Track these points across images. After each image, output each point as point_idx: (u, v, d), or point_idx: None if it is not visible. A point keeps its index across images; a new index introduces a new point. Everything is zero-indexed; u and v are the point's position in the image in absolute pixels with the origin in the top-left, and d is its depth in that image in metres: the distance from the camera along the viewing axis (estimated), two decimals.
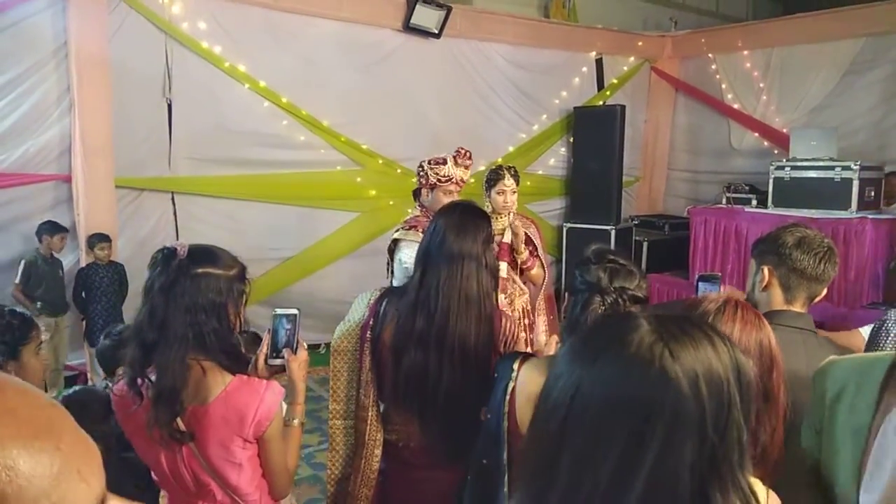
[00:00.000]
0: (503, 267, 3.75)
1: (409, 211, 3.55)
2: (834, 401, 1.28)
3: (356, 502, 1.78)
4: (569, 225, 6.96)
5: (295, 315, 1.68)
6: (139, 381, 1.51)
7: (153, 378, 1.50)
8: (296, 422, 1.64)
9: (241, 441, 1.53)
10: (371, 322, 1.80)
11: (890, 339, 1.94)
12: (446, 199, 2.68)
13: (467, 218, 1.80)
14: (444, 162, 2.81)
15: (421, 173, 2.87)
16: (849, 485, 1.19)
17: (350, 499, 1.79)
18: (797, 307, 1.72)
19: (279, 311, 1.71)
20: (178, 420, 1.50)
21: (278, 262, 5.56)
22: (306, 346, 1.70)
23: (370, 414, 1.79)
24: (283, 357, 1.65)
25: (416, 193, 2.99)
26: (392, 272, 2.78)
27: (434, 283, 1.71)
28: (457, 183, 2.82)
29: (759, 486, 1.01)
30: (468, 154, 2.86)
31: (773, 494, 1.06)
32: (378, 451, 1.79)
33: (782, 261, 1.73)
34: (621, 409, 0.75)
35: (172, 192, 5.21)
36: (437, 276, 1.71)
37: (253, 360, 1.65)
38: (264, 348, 1.66)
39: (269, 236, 5.47)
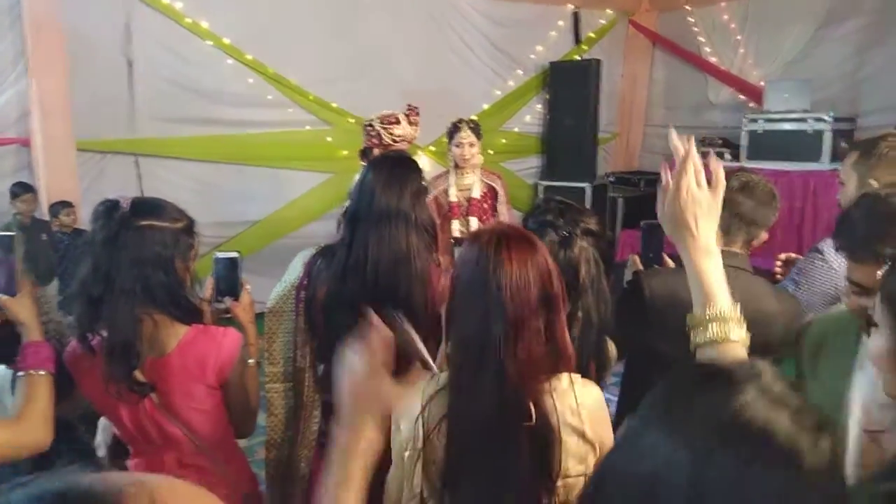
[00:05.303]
0: (473, 221, 3.72)
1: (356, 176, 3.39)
2: (815, 353, 1.44)
3: (297, 464, 1.77)
4: (545, 183, 6.91)
5: (235, 259, 1.70)
6: (89, 336, 1.50)
7: (104, 334, 1.49)
8: (251, 361, 1.67)
9: (204, 388, 1.55)
10: (305, 282, 1.76)
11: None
12: None
13: (396, 172, 1.73)
14: (398, 121, 2.74)
15: (372, 133, 2.79)
16: (835, 413, 1.32)
17: (291, 461, 1.77)
18: (735, 249, 1.75)
19: (220, 255, 1.72)
20: (137, 373, 1.49)
21: (248, 224, 5.49)
22: (249, 289, 1.72)
23: (307, 376, 1.76)
24: (225, 302, 1.68)
25: (365, 153, 2.89)
26: None
27: (363, 242, 1.66)
28: (409, 142, 2.77)
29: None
30: (417, 110, 2.82)
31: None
32: (317, 413, 1.77)
33: (724, 205, 1.73)
34: None
35: (136, 155, 5.09)
36: (365, 234, 1.66)
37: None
38: (208, 293, 1.67)
39: (237, 199, 5.37)
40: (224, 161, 5.38)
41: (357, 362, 0.99)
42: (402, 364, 1.08)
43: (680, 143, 1.12)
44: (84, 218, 4.74)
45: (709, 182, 1.12)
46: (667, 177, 1.13)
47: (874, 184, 1.91)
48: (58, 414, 2.02)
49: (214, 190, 5.28)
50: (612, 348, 1.76)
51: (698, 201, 1.09)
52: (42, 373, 1.46)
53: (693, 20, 7.09)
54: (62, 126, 4.67)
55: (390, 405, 1.01)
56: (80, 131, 4.77)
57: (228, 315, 1.71)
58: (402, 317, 1.14)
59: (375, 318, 1.04)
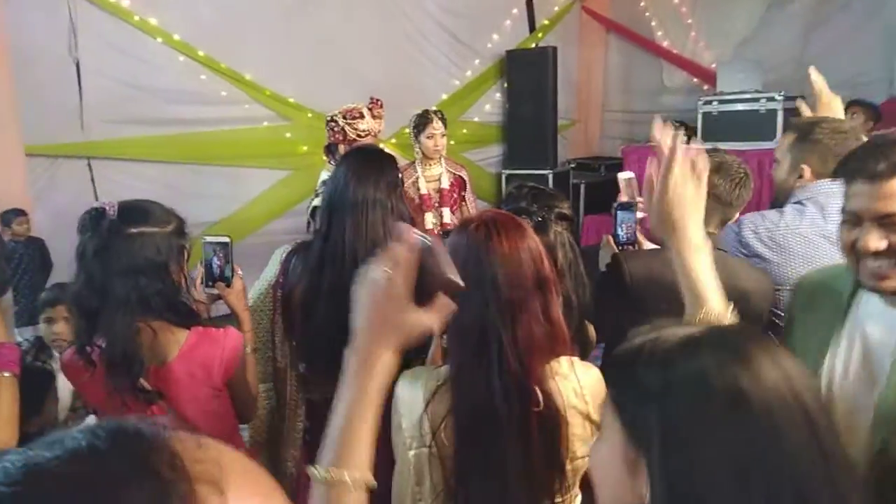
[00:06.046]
0: (446, 212, 3.72)
1: (324, 172, 3.35)
2: (808, 305, 1.39)
3: (283, 464, 1.74)
4: (507, 172, 6.93)
5: (226, 243, 1.66)
6: (88, 348, 1.48)
7: (103, 345, 1.46)
8: (248, 349, 1.65)
9: (210, 390, 1.54)
10: (281, 280, 1.73)
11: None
12: None
13: (370, 162, 1.73)
14: (362, 115, 2.72)
15: (336, 128, 2.75)
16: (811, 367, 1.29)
17: (275, 462, 1.75)
18: (710, 229, 1.76)
19: (209, 238, 1.68)
20: (143, 381, 1.47)
21: (208, 225, 5.33)
22: (241, 274, 1.68)
23: (289, 374, 1.74)
24: (217, 289, 1.66)
25: (330, 149, 2.85)
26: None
27: (340, 233, 1.64)
28: (374, 136, 2.75)
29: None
30: (381, 103, 2.79)
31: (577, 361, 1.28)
32: (301, 411, 1.75)
33: None
34: None
35: (88, 158, 4.93)
36: (342, 226, 1.64)
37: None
38: (199, 279, 1.66)
39: (196, 199, 5.20)
40: (180, 161, 5.25)
41: (379, 276, 0.83)
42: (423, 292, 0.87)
43: (663, 137, 1.10)
44: (36, 225, 4.58)
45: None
46: (651, 171, 1.13)
47: (806, 169, 1.94)
48: (28, 429, 1.96)
49: (171, 191, 5.12)
50: (591, 331, 1.78)
51: (686, 199, 1.10)
52: (6, 374, 1.40)
53: (644, 4, 7.18)
54: (9, 131, 4.49)
55: (408, 330, 0.84)
56: (29, 136, 4.59)
57: (219, 299, 1.67)
58: (430, 238, 0.88)
59: (408, 232, 0.85)
